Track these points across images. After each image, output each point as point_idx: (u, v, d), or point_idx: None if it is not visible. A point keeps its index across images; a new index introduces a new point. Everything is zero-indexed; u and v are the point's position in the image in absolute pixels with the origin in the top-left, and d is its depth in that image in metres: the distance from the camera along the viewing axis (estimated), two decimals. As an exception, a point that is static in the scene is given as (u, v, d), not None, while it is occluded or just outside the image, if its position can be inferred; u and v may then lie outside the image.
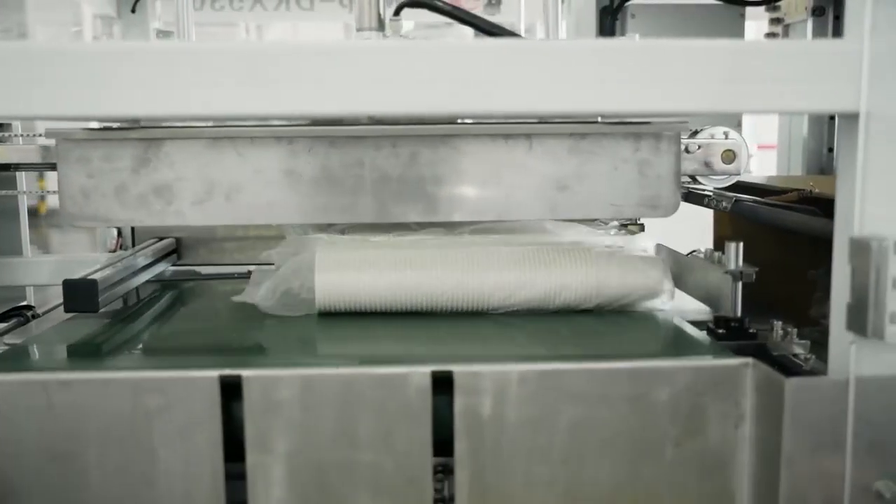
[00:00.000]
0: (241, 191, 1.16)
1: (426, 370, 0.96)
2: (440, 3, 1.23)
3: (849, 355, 0.91)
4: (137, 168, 1.16)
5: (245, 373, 0.95)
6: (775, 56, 0.87)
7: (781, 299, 1.45)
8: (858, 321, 0.88)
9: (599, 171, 1.18)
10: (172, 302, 1.49)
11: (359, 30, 1.19)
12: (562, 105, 0.87)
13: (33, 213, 7.19)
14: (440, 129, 1.16)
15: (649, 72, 0.84)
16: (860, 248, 0.87)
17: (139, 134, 1.16)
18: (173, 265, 1.67)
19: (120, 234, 1.89)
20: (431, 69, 0.86)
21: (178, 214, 1.17)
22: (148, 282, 1.52)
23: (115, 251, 1.92)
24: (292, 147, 1.16)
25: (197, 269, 1.69)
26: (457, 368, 0.96)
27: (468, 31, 1.39)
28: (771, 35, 2.40)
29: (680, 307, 1.32)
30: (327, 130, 1.16)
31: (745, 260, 1.21)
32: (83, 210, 1.17)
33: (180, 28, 1.13)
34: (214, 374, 0.95)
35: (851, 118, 0.88)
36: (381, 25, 1.19)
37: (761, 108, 0.88)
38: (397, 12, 1.26)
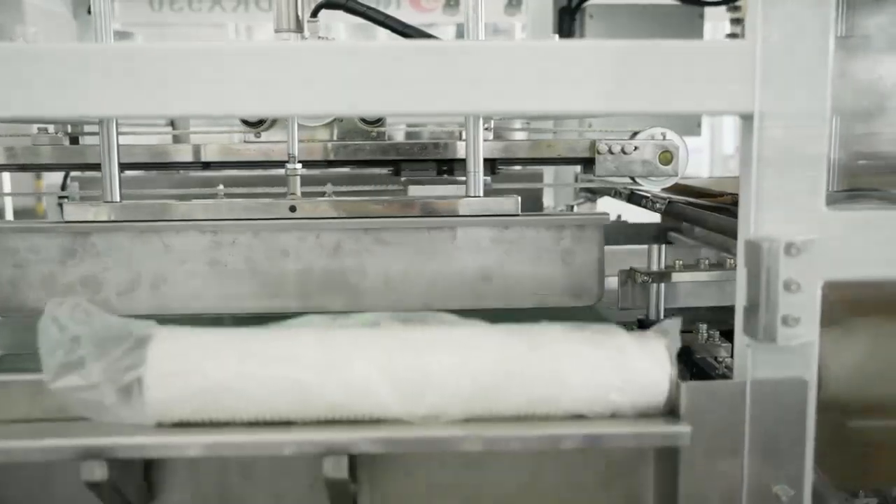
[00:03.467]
0: (166, 281, 1.18)
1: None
2: (355, 5, 1.23)
3: (746, 358, 0.90)
4: (65, 259, 1.18)
5: None
6: (669, 56, 0.86)
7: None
8: (752, 324, 0.87)
9: (523, 260, 1.20)
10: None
11: (277, 31, 1.19)
12: (450, 104, 0.86)
13: (31, 213, 7.18)
14: (364, 223, 1.19)
15: (536, 72, 0.84)
16: (753, 250, 0.86)
17: (67, 226, 1.18)
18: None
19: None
20: (339, 70, 0.86)
21: (104, 304, 1.18)
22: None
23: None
24: (217, 238, 1.18)
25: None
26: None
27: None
28: (732, 35, 2.40)
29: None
30: (252, 224, 1.18)
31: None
32: (10, 300, 1.19)
33: (98, 30, 1.13)
34: None
35: (748, 119, 0.88)
36: (299, 27, 1.19)
37: (654, 109, 0.87)
38: (314, 14, 1.26)
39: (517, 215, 1.20)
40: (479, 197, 1.20)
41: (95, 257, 1.18)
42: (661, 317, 1.21)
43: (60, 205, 2.06)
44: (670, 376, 0.85)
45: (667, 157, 1.39)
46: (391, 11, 2.25)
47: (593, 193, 1.94)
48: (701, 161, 7.09)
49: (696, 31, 2.12)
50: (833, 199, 0.90)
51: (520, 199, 1.21)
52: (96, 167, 1.44)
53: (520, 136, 1.93)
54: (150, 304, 1.19)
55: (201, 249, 1.18)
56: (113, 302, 1.18)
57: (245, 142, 1.42)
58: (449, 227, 1.20)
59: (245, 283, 1.19)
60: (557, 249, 1.20)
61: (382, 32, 1.35)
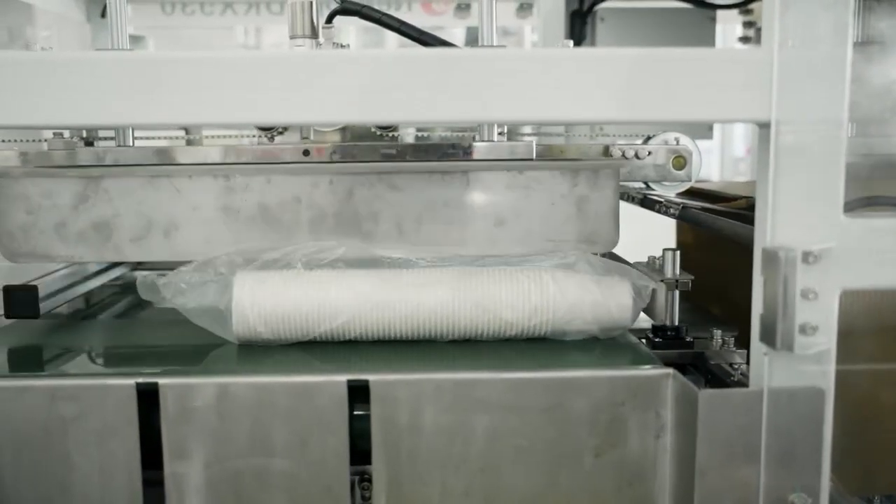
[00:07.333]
0: (178, 227, 1.17)
1: (342, 379, 0.96)
2: (371, 11, 1.23)
3: (763, 367, 0.90)
4: (77, 205, 1.17)
5: (161, 381, 0.96)
6: (684, 64, 0.86)
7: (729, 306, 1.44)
8: (769, 333, 0.87)
9: (537, 206, 1.18)
10: (127, 307, 1.49)
11: (292, 38, 1.19)
12: (463, 113, 0.87)
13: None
14: (377, 167, 1.17)
15: (551, 80, 0.84)
16: (770, 259, 0.86)
17: (78, 171, 1.17)
18: (134, 269, 1.68)
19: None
20: (356, 78, 0.86)
21: (116, 250, 1.18)
22: (109, 284, 1.53)
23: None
24: (229, 183, 1.17)
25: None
26: (373, 377, 0.96)
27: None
28: (744, 38, 2.39)
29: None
30: (264, 168, 1.17)
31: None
32: (22, 247, 1.18)
33: (113, 35, 1.14)
34: (131, 381, 0.95)
35: (765, 127, 0.87)
36: (314, 33, 1.19)
37: (669, 118, 0.87)
38: (329, 20, 1.26)
39: (531, 160, 1.19)
40: (492, 141, 1.19)
41: (108, 203, 1.16)
42: (675, 321, 1.20)
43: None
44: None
45: (680, 161, 1.39)
46: (402, 15, 2.25)
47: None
48: (711, 163, 7.06)
49: (707, 34, 2.11)
50: (849, 206, 0.89)
51: (534, 141, 1.19)
52: (110, 171, 1.44)
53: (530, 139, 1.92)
54: (162, 251, 1.18)
55: (214, 195, 1.17)
56: (124, 249, 1.18)
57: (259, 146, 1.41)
58: (462, 172, 1.18)
59: (258, 230, 1.17)
60: (572, 195, 1.18)
61: (391, 35, 1.35)
